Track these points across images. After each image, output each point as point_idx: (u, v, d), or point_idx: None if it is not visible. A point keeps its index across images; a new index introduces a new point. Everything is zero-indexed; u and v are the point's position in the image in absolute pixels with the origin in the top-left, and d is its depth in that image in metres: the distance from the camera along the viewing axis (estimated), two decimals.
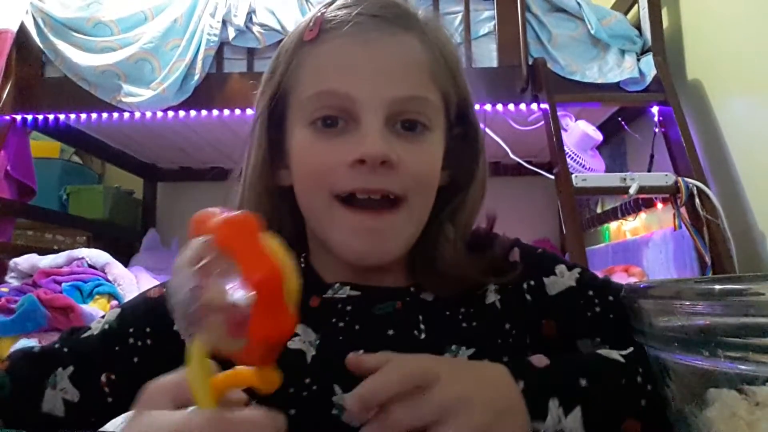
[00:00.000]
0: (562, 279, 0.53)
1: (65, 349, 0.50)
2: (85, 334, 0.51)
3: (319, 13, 0.50)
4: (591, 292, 0.52)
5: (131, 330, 0.50)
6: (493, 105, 1.83)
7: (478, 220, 0.56)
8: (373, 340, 0.48)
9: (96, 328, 0.51)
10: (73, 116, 1.93)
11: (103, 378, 0.49)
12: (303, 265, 0.54)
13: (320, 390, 0.45)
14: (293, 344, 0.48)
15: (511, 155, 1.96)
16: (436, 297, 0.52)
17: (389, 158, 0.45)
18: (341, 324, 0.50)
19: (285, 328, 0.27)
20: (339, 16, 0.48)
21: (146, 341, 0.50)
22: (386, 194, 0.47)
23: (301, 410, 0.43)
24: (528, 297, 0.53)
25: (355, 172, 0.46)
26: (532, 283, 0.53)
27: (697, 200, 1.50)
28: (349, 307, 0.50)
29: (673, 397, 0.35)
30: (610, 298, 0.51)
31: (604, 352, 0.43)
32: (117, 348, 0.50)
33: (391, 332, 0.49)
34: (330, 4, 0.51)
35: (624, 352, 0.43)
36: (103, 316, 0.53)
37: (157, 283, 1.93)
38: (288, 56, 0.51)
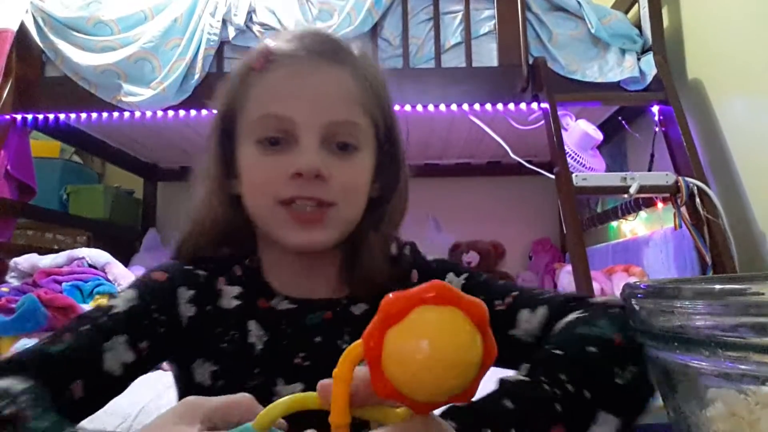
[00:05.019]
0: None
1: (110, 322, 0.54)
2: (114, 312, 0.55)
3: (265, 47, 0.59)
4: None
5: (152, 308, 0.56)
6: (494, 105, 1.83)
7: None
8: (304, 345, 0.58)
9: (117, 305, 0.55)
10: (73, 116, 1.93)
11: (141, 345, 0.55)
12: (253, 266, 0.62)
13: (265, 379, 0.56)
14: (250, 338, 0.58)
15: (512, 155, 1.96)
16: (364, 311, 0.60)
17: (321, 172, 0.54)
18: (282, 327, 0.59)
19: (378, 388, 0.30)
20: (283, 50, 0.57)
21: (161, 317, 0.57)
22: (319, 201, 0.55)
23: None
24: None
25: (294, 183, 0.54)
26: None
27: (697, 200, 1.50)
28: (285, 319, 0.59)
29: (673, 397, 0.35)
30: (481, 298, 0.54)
31: (508, 377, 0.44)
32: (145, 322, 0.55)
33: (318, 339, 0.58)
34: (276, 38, 0.59)
35: (524, 373, 0.44)
36: (113, 296, 0.58)
37: None
38: (237, 81, 0.59)
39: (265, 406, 0.34)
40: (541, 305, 0.55)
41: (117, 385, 0.53)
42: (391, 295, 0.30)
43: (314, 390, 0.33)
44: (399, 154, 0.63)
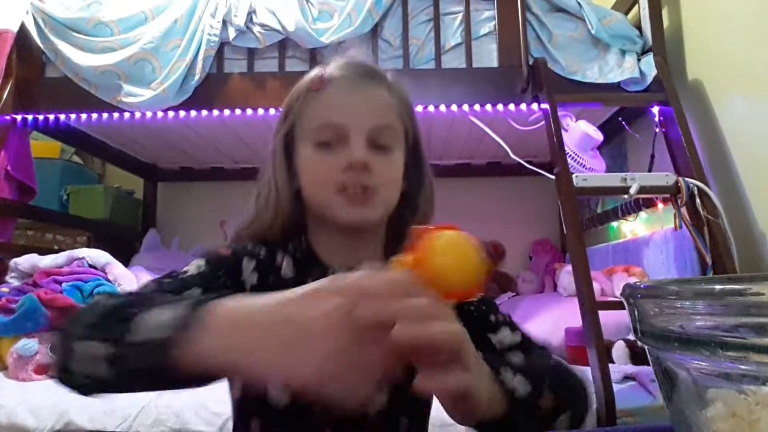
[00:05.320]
0: None
1: (186, 279, 0.64)
2: (188, 274, 0.65)
3: (320, 72, 0.74)
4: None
5: (219, 274, 0.67)
6: (494, 105, 1.83)
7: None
8: None
9: (190, 270, 0.66)
10: (73, 116, 1.93)
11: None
12: (304, 246, 0.75)
13: None
14: None
15: (512, 155, 1.96)
16: None
17: (368, 164, 0.68)
18: None
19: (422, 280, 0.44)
20: (335, 74, 0.73)
21: (228, 281, 0.67)
22: (366, 187, 0.69)
23: None
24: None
25: (346, 173, 0.68)
26: None
27: (697, 200, 1.50)
28: None
29: (673, 397, 0.35)
30: (483, 309, 0.75)
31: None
32: (215, 284, 0.65)
33: None
34: (327, 66, 0.74)
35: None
36: (184, 269, 0.66)
37: None
38: (298, 100, 0.74)
39: None
40: (519, 332, 0.72)
41: None
42: (416, 228, 0.46)
43: None
44: (422, 156, 0.79)
